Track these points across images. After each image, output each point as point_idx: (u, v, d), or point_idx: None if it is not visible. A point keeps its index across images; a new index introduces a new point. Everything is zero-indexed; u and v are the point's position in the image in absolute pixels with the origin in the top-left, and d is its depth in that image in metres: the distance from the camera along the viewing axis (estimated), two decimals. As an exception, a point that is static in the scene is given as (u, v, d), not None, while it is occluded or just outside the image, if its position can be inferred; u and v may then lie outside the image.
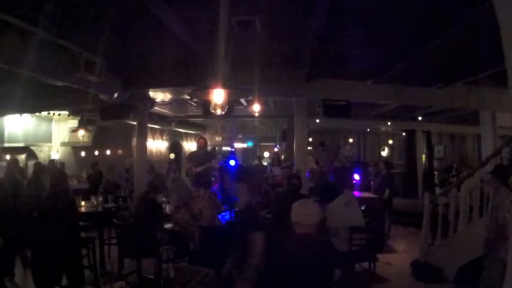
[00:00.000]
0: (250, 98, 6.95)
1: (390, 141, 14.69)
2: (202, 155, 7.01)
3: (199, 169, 6.72)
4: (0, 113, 7.90)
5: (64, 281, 3.38)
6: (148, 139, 8.39)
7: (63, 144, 10.80)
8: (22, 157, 9.70)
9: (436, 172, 12.58)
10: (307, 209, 2.56)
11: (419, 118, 10.92)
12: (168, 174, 9.46)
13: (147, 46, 4.97)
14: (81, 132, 8.58)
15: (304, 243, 2.48)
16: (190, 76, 5.56)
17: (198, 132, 14.80)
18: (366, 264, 4.50)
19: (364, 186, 9.48)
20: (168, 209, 5.26)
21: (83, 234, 4.30)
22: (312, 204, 2.66)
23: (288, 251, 2.49)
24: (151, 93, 6.85)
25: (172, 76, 5.88)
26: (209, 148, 9.07)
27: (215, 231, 3.83)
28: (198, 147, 7.20)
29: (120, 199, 5.94)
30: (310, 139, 12.94)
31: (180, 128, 13.23)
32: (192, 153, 7.47)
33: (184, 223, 3.78)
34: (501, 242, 3.41)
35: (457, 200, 5.01)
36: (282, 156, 10.82)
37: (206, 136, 12.71)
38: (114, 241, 5.06)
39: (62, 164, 10.34)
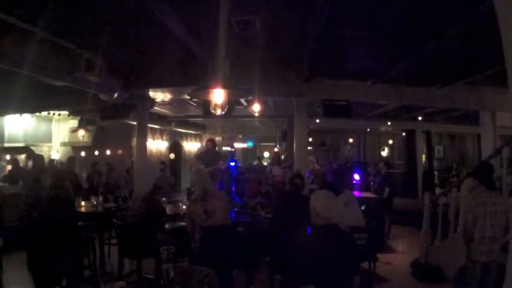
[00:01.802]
0: (250, 98, 6.95)
1: (390, 141, 14.71)
2: (211, 156, 7.33)
3: (207, 170, 6.86)
4: (0, 113, 7.90)
5: (64, 281, 3.38)
6: (148, 139, 8.40)
7: (63, 144, 10.81)
8: (22, 157, 9.71)
9: (436, 172, 12.59)
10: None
11: (419, 118, 10.92)
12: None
13: (147, 46, 4.97)
14: (81, 132, 8.58)
15: (329, 234, 2.48)
16: (190, 76, 5.56)
17: (198, 132, 14.80)
18: (366, 264, 4.50)
19: (364, 186, 9.48)
20: (168, 209, 5.27)
21: (82, 234, 4.29)
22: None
23: (316, 242, 2.50)
24: (151, 93, 6.85)
25: (172, 76, 5.88)
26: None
27: (215, 231, 3.83)
28: (208, 148, 7.59)
29: (120, 199, 5.94)
30: (310, 139, 12.95)
31: (180, 128, 13.23)
32: (202, 154, 7.84)
33: (195, 216, 3.77)
34: (471, 243, 3.41)
35: (457, 200, 5.01)
36: (282, 156, 10.82)
37: (206, 136, 12.74)
38: (114, 241, 5.06)
39: (62, 164, 10.35)
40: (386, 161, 9.45)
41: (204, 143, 7.82)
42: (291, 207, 3.94)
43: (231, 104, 4.06)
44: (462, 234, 3.63)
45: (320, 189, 4.87)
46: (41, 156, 7.89)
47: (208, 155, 7.44)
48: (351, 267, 2.44)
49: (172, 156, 13.08)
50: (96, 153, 11.03)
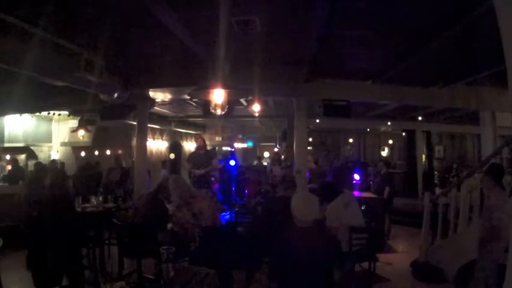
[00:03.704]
0: (250, 98, 6.95)
1: (390, 141, 14.71)
2: (202, 156, 6.98)
3: (201, 171, 6.71)
4: (0, 113, 7.91)
5: (64, 281, 3.38)
6: (148, 139, 8.40)
7: (63, 144, 10.81)
8: (22, 157, 9.71)
9: (436, 172, 12.59)
10: (304, 205, 2.58)
11: (419, 118, 10.92)
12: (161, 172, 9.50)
13: (147, 46, 4.97)
14: (81, 132, 8.59)
15: (302, 237, 2.50)
16: (190, 76, 5.56)
17: (198, 132, 14.80)
18: (366, 264, 4.49)
19: (364, 186, 9.49)
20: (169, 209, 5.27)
21: (82, 234, 4.29)
22: (310, 200, 2.66)
23: (287, 243, 2.52)
24: (151, 93, 6.85)
25: (172, 76, 5.88)
26: (209, 148, 9.04)
27: (215, 231, 3.83)
28: (197, 147, 7.17)
29: (120, 199, 5.94)
30: (310, 139, 12.96)
31: (180, 128, 13.23)
32: (192, 154, 7.41)
33: (184, 222, 3.77)
34: (494, 242, 3.41)
35: (457, 200, 5.01)
36: (282, 156, 10.83)
37: (206, 136, 12.75)
38: (114, 241, 5.06)
39: (62, 163, 10.35)
40: (386, 160, 9.46)
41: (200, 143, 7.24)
42: (278, 209, 3.91)
43: (231, 104, 4.07)
44: (485, 232, 3.59)
45: (321, 189, 4.87)
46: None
47: (198, 155, 6.98)
48: (326, 271, 2.43)
49: (172, 156, 13.07)
50: (96, 153, 11.03)
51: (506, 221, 3.36)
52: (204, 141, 7.25)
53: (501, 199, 3.49)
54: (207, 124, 15.14)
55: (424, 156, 12.72)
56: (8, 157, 9.39)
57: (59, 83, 5.31)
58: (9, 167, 9.21)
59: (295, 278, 2.38)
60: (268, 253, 3.34)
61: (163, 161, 10.73)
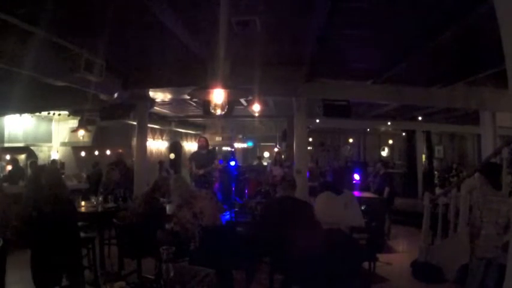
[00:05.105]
0: (250, 98, 6.95)
1: (390, 141, 14.73)
2: (204, 155, 6.99)
3: (202, 171, 6.71)
4: (0, 113, 7.90)
5: (64, 281, 3.38)
6: (148, 139, 8.40)
7: (63, 144, 10.81)
8: (22, 157, 9.71)
9: (436, 172, 12.60)
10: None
11: (419, 118, 10.92)
12: (160, 174, 9.54)
13: (147, 46, 4.97)
14: (81, 132, 8.58)
15: (331, 238, 2.50)
16: (190, 76, 5.56)
17: (198, 132, 14.81)
18: (366, 264, 4.50)
19: (364, 186, 9.49)
20: (168, 208, 5.27)
21: (82, 234, 4.29)
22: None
23: (313, 246, 2.52)
24: (151, 93, 6.85)
25: (172, 76, 5.89)
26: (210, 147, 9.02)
27: (215, 231, 3.83)
28: (199, 147, 7.17)
29: (120, 199, 5.94)
30: (310, 139, 12.98)
31: (180, 128, 13.23)
32: (194, 154, 7.40)
33: (185, 222, 3.77)
34: (476, 240, 3.44)
35: (457, 200, 5.01)
36: (283, 156, 10.83)
37: (206, 136, 12.73)
38: (114, 241, 5.06)
39: (62, 164, 10.36)
40: (383, 161, 9.47)
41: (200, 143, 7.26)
42: (283, 210, 3.90)
43: (231, 104, 4.06)
44: (469, 230, 3.64)
45: (320, 191, 4.87)
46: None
47: (200, 155, 7.03)
48: (352, 271, 2.45)
49: (172, 156, 13.08)
50: (96, 153, 11.03)
51: (489, 219, 3.38)
52: (206, 141, 7.23)
53: (484, 197, 3.51)
54: (207, 124, 15.14)
55: (424, 156, 12.72)
56: (8, 157, 9.40)
57: (59, 83, 5.29)
58: (9, 167, 9.21)
59: (317, 279, 2.38)
60: (269, 253, 3.33)
61: (160, 163, 10.72)
